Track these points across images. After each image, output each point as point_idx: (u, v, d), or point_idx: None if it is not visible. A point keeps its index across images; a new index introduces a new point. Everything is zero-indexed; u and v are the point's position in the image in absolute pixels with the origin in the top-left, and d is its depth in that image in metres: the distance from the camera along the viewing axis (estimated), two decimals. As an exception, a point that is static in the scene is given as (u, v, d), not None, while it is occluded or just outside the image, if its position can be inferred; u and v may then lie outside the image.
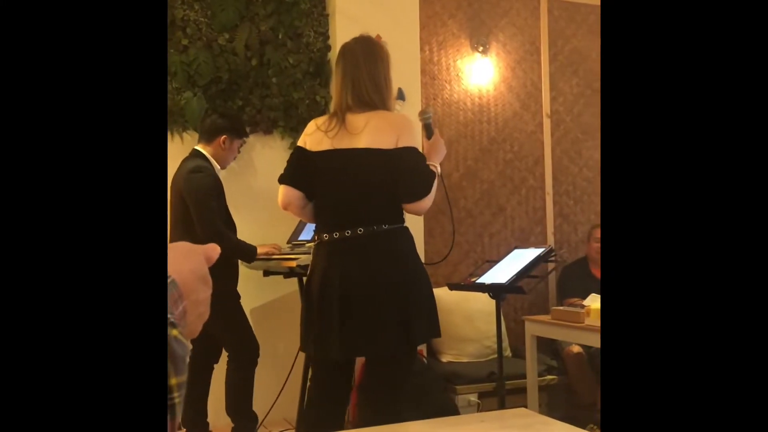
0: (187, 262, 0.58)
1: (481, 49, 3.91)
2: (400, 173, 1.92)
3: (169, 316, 0.51)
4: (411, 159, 1.94)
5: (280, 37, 3.39)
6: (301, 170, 2.01)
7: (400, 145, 1.92)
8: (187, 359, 0.52)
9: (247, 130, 3.34)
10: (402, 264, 1.92)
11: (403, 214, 2.00)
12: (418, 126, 2.13)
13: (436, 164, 2.04)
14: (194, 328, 0.58)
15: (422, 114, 2.18)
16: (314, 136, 2.01)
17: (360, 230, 1.90)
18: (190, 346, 0.53)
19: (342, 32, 3.46)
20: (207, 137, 2.85)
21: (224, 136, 2.83)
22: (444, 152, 2.12)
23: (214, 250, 0.61)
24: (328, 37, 3.53)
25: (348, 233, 1.91)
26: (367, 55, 1.99)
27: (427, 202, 1.97)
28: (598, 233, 3.73)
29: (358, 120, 1.96)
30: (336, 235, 1.93)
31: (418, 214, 2.04)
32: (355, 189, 1.94)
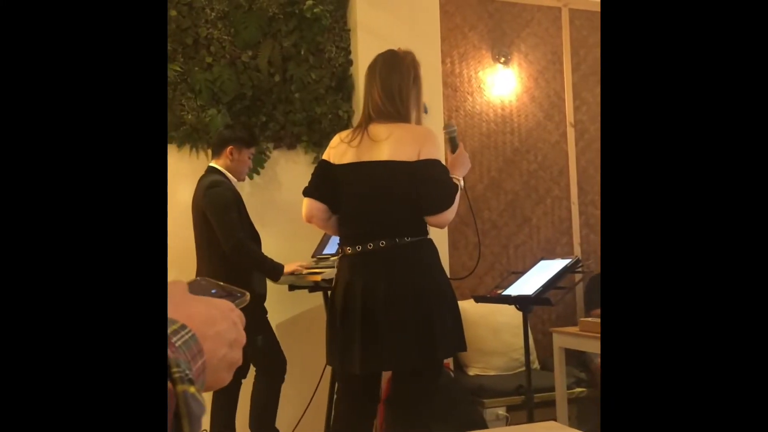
0: (217, 324, 0.57)
1: (502, 60, 3.90)
2: (423, 185, 1.92)
3: (187, 372, 0.49)
4: (433, 171, 1.93)
5: (302, 53, 3.42)
6: (325, 183, 2.03)
7: (422, 157, 1.92)
8: (202, 419, 0.51)
9: (270, 145, 3.37)
10: (425, 276, 1.91)
11: (426, 226, 1.99)
12: (442, 138, 2.13)
13: (459, 177, 2.04)
14: (224, 377, 0.57)
15: (447, 128, 2.19)
16: (338, 149, 2.04)
17: (382, 243, 1.90)
18: (206, 406, 0.52)
19: (363, 47, 3.49)
20: (216, 151, 2.88)
21: (230, 147, 2.84)
22: (468, 166, 2.12)
23: (241, 317, 0.61)
24: (349, 52, 3.56)
25: (371, 246, 1.91)
26: (384, 67, 2.01)
27: (450, 214, 1.96)
28: None
29: (380, 131, 1.97)
30: (359, 248, 1.93)
31: (440, 226, 2.02)
32: (377, 201, 1.94)
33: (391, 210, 1.93)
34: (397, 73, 2.00)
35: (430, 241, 1.98)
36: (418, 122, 2.05)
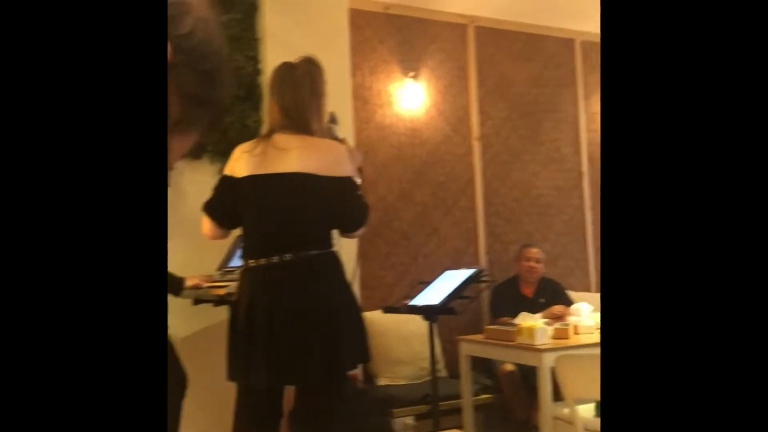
0: None
1: (411, 74, 3.98)
2: (341, 205, 1.94)
3: None
4: (349, 191, 1.96)
5: (209, 61, 3.35)
6: (223, 200, 2.02)
7: (336, 173, 1.92)
8: None
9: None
10: (329, 290, 1.91)
11: (331, 239, 1.99)
12: (349, 153, 2.14)
13: (354, 173, 2.06)
14: None
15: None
16: (240, 161, 2.01)
17: (287, 256, 1.88)
18: None
19: (272, 56, 3.45)
20: None
21: None
22: (359, 158, 2.14)
23: None
24: (258, 62, 3.52)
25: (275, 259, 1.89)
26: (277, 80, 2.03)
27: (363, 228, 2.05)
28: (527, 252, 3.82)
29: (285, 142, 1.96)
30: (263, 261, 1.91)
31: (352, 238, 2.08)
32: (283, 214, 1.93)
33: (297, 223, 1.92)
34: (289, 86, 1.99)
35: (335, 253, 1.99)
36: (321, 131, 2.04)
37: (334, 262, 1.97)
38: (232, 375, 1.96)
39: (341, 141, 2.17)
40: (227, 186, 2.02)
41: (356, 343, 1.94)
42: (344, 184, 1.94)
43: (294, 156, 1.92)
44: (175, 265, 2.80)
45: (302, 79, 1.99)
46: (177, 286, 2.70)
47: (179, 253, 3.04)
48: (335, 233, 2.04)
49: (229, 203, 2.00)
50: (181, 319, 3.11)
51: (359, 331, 1.96)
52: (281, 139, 1.97)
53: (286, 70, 2.02)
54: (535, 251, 3.82)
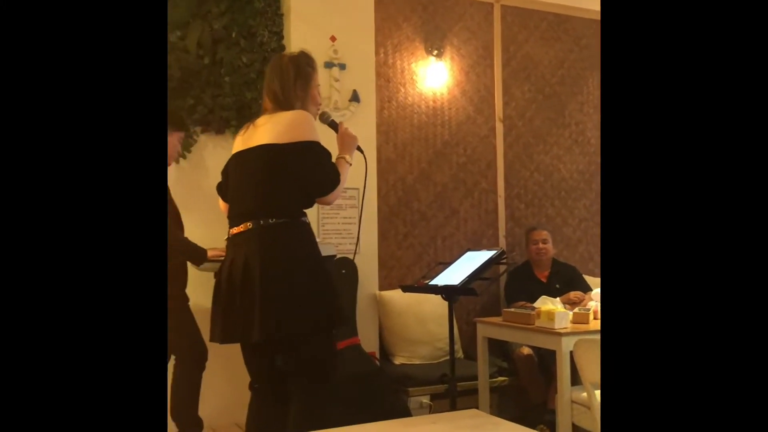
0: None
1: (435, 52, 3.94)
2: (305, 169, 2.01)
3: None
4: (312, 155, 2.01)
5: (233, 35, 3.33)
6: (225, 178, 2.23)
7: (293, 139, 1.99)
8: None
9: (198, 129, 3.29)
10: (289, 259, 1.97)
11: (299, 207, 2.06)
12: (314, 121, 2.19)
13: (346, 155, 2.18)
14: None
15: (321, 116, 2.33)
16: (236, 142, 2.20)
17: (252, 224, 1.99)
18: None
19: (296, 32, 3.44)
20: None
21: None
22: (354, 142, 2.24)
23: None
24: (282, 37, 3.50)
25: (245, 226, 2.01)
26: (268, 72, 2.18)
27: (336, 193, 2.08)
28: (534, 235, 3.80)
29: (262, 120, 2.11)
30: (236, 229, 2.04)
31: (328, 204, 2.19)
32: (249, 185, 2.05)
33: (261, 193, 2.02)
34: (277, 75, 2.13)
35: (303, 223, 2.05)
36: (306, 109, 2.12)
37: (299, 230, 2.02)
38: (212, 336, 2.07)
39: (338, 125, 2.30)
40: (226, 166, 2.24)
41: (322, 310, 1.98)
42: (301, 148, 2.00)
43: (263, 130, 2.05)
44: (195, 236, 2.82)
45: (287, 68, 2.12)
46: (200, 257, 2.75)
47: (199, 225, 3.06)
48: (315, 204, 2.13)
49: (225, 181, 2.21)
50: (203, 292, 3.14)
51: (323, 302, 1.99)
52: (263, 117, 2.12)
53: (276, 59, 2.20)
54: (541, 232, 3.80)
